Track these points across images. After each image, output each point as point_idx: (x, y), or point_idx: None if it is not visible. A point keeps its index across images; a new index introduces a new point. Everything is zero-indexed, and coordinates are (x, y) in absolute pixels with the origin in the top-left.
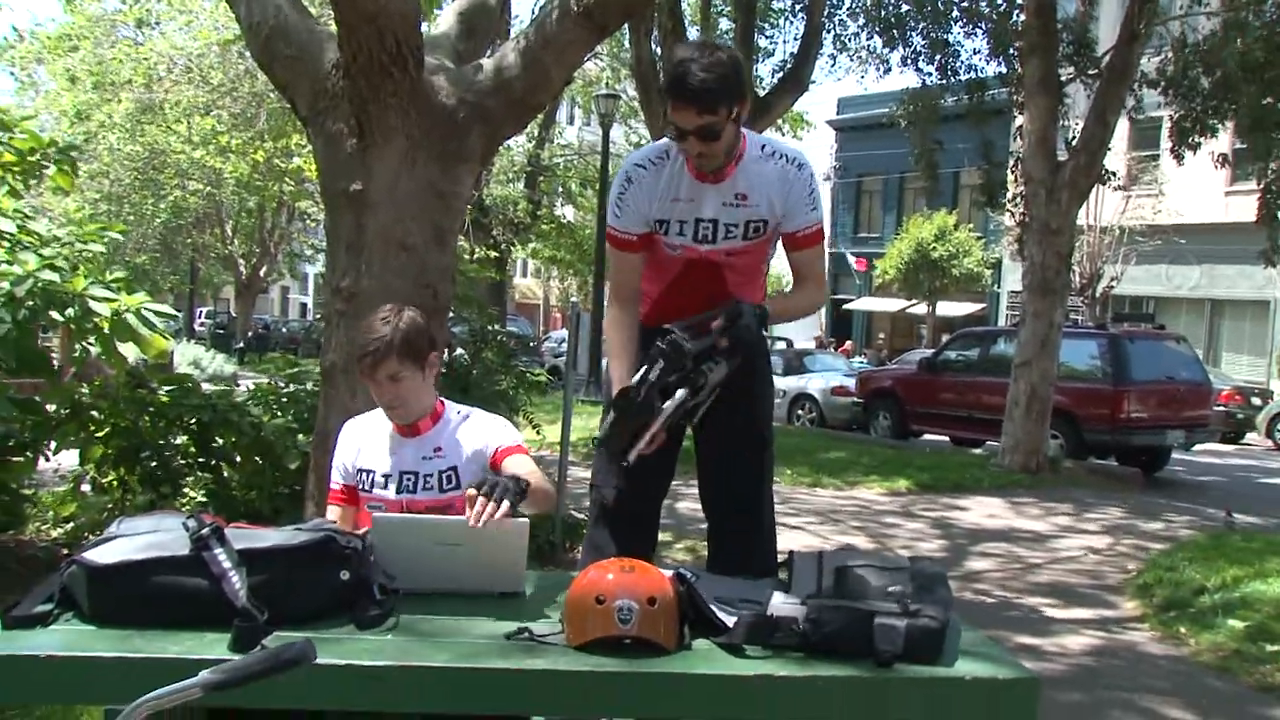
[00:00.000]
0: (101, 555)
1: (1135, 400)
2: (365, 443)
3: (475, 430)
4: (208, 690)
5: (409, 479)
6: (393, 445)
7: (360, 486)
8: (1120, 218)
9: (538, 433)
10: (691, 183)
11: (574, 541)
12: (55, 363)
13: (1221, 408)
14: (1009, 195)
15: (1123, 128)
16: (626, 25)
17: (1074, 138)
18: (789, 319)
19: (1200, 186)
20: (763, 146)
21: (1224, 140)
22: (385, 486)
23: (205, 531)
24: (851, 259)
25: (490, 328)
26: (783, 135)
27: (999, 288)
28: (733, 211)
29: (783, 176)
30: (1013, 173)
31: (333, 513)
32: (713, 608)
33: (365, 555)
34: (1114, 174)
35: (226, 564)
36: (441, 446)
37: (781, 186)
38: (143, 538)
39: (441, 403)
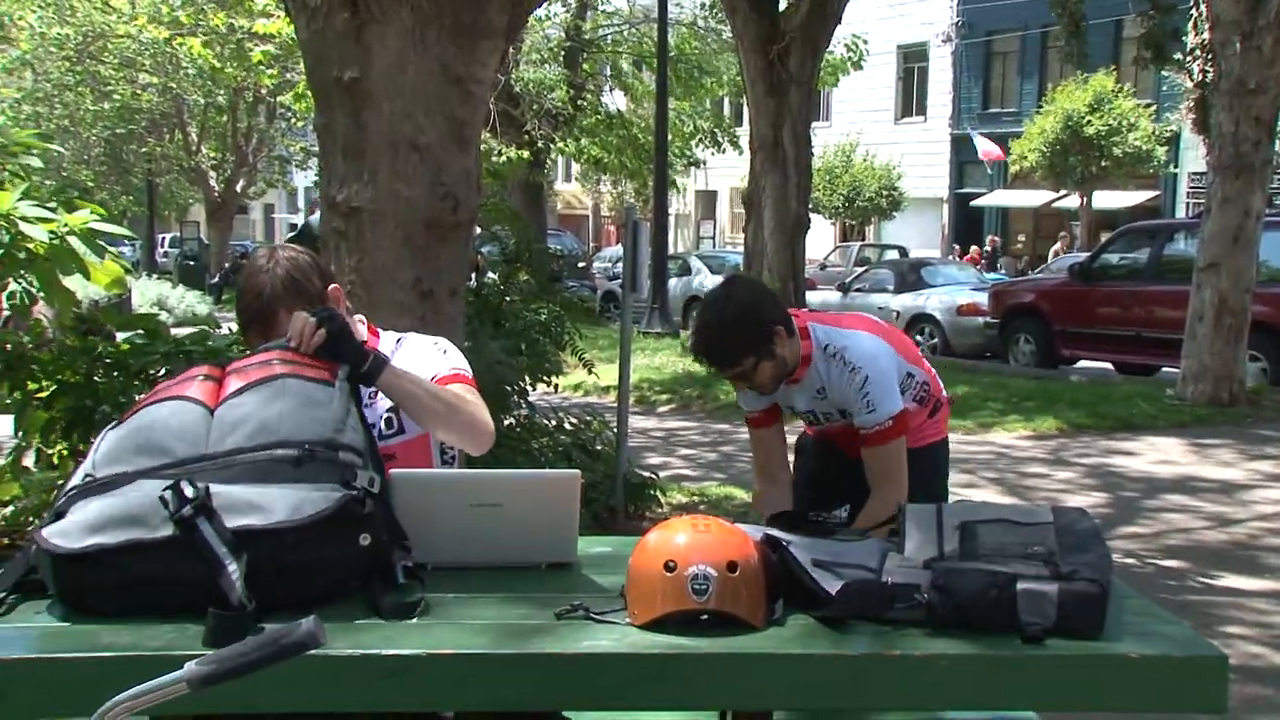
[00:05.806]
0: (68, 538)
1: None
2: None
3: (409, 358)
4: (196, 685)
5: None
6: None
7: None
8: None
9: (590, 373)
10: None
11: (637, 505)
12: None
13: None
14: (1188, 48)
15: None
16: None
17: None
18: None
19: None
20: (825, 347)
21: None
22: None
23: (188, 511)
24: (978, 144)
25: (527, 244)
26: None
27: (1176, 168)
28: (822, 403)
29: (840, 377)
30: (1195, 14)
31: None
32: (812, 573)
33: (388, 516)
34: None
35: (220, 549)
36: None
37: (839, 387)
38: (114, 501)
39: (375, 333)
